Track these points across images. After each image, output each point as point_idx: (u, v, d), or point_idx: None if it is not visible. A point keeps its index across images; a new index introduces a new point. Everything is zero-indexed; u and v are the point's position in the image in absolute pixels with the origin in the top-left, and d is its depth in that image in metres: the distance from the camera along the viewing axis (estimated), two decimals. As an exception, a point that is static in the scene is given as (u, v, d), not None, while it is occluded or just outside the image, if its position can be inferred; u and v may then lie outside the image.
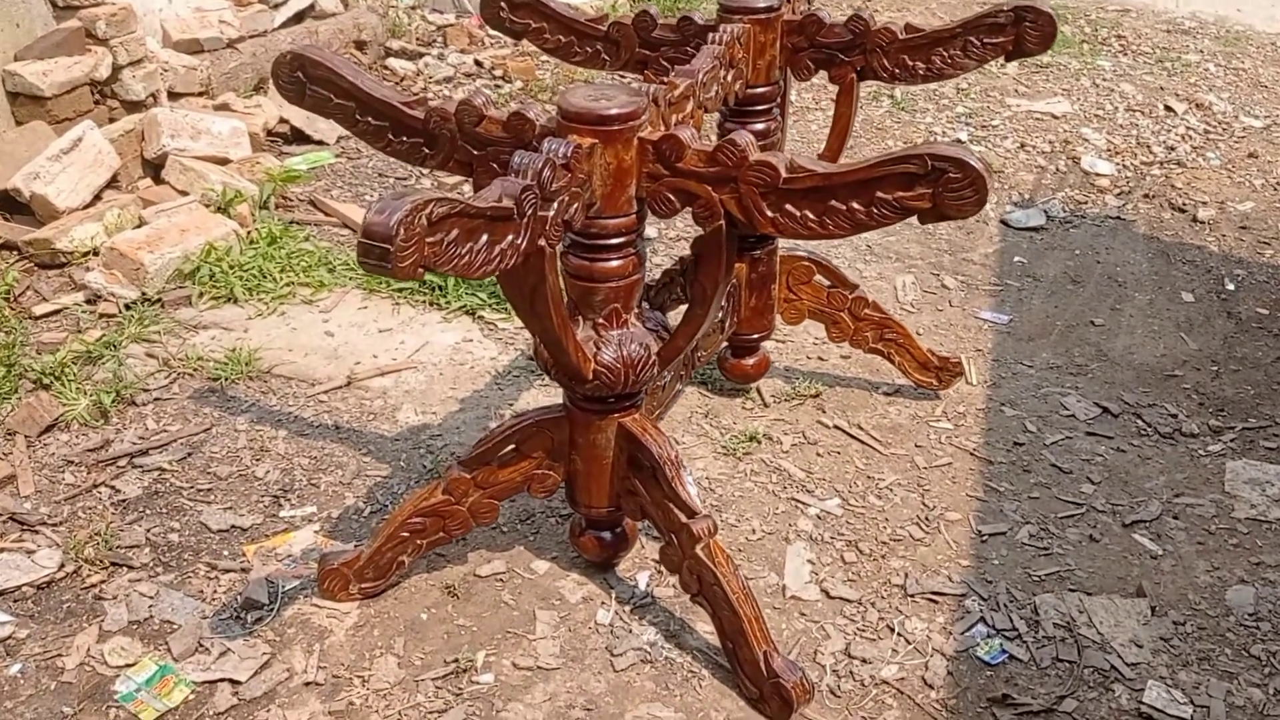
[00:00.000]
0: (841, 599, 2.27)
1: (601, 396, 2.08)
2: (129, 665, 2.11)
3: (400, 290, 3.22)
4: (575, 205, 1.84)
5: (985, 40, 2.36)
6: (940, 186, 1.71)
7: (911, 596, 2.28)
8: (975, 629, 2.21)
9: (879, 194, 1.76)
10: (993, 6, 2.34)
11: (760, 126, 2.53)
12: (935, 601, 2.28)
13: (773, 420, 2.83)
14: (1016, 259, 3.70)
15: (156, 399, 2.85)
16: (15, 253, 3.42)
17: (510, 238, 1.68)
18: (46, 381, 2.83)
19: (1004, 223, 3.94)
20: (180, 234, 3.38)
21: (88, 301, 3.19)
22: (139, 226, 3.49)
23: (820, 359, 3.09)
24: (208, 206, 3.61)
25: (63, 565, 2.34)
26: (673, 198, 1.92)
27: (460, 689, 2.05)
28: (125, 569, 2.34)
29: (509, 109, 1.97)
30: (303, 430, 2.74)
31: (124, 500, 2.53)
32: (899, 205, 1.76)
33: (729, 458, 2.68)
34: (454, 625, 2.20)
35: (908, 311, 3.36)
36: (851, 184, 1.78)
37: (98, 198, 3.70)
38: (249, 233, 3.51)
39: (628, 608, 2.24)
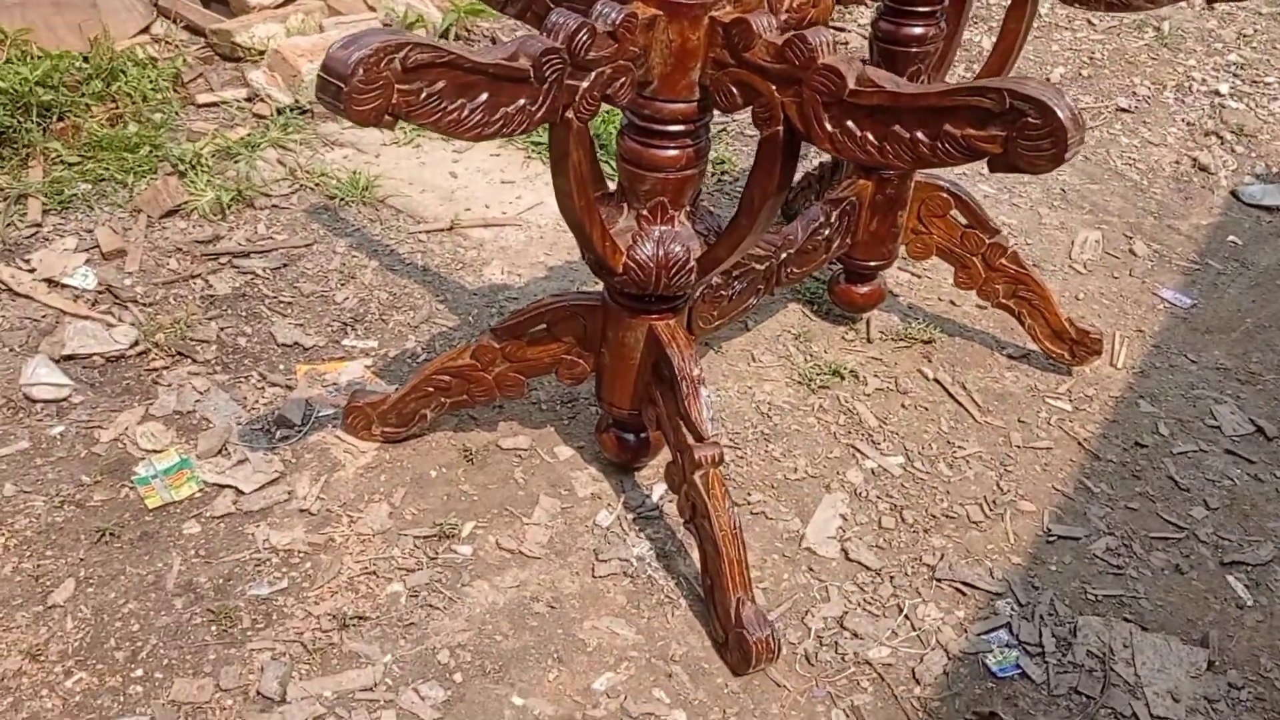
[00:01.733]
0: (859, 564, 2.09)
1: (637, 294, 1.94)
2: (156, 451, 2.19)
3: (536, 144, 3.13)
4: (622, 80, 1.68)
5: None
6: (1015, 130, 1.44)
7: (938, 581, 2.07)
8: (996, 634, 1.98)
9: (948, 126, 1.51)
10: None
11: (918, 30, 2.25)
12: (963, 593, 2.06)
13: (868, 358, 2.60)
14: (1230, 238, 3.22)
15: (274, 205, 2.90)
16: (201, 39, 3.53)
17: (522, 102, 1.54)
18: (182, 169, 2.93)
19: (1234, 194, 3.43)
20: (349, 48, 3.39)
21: (246, 99, 3.27)
22: (317, 33, 3.53)
23: (952, 303, 2.81)
24: (386, 26, 3.60)
25: (136, 344, 2.44)
26: (735, 91, 1.72)
27: (436, 554, 2.02)
28: (188, 360, 2.42)
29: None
30: (393, 265, 2.73)
31: (212, 296, 2.60)
32: (965, 145, 1.50)
33: (802, 387, 2.49)
34: (457, 489, 2.16)
35: (1076, 271, 3.00)
36: (920, 110, 1.53)
37: (290, 0, 3.77)
38: (417, 59, 3.48)
39: (631, 515, 2.14)
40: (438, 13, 3.73)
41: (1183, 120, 3.74)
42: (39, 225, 2.75)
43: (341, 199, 2.92)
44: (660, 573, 2.03)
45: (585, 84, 1.62)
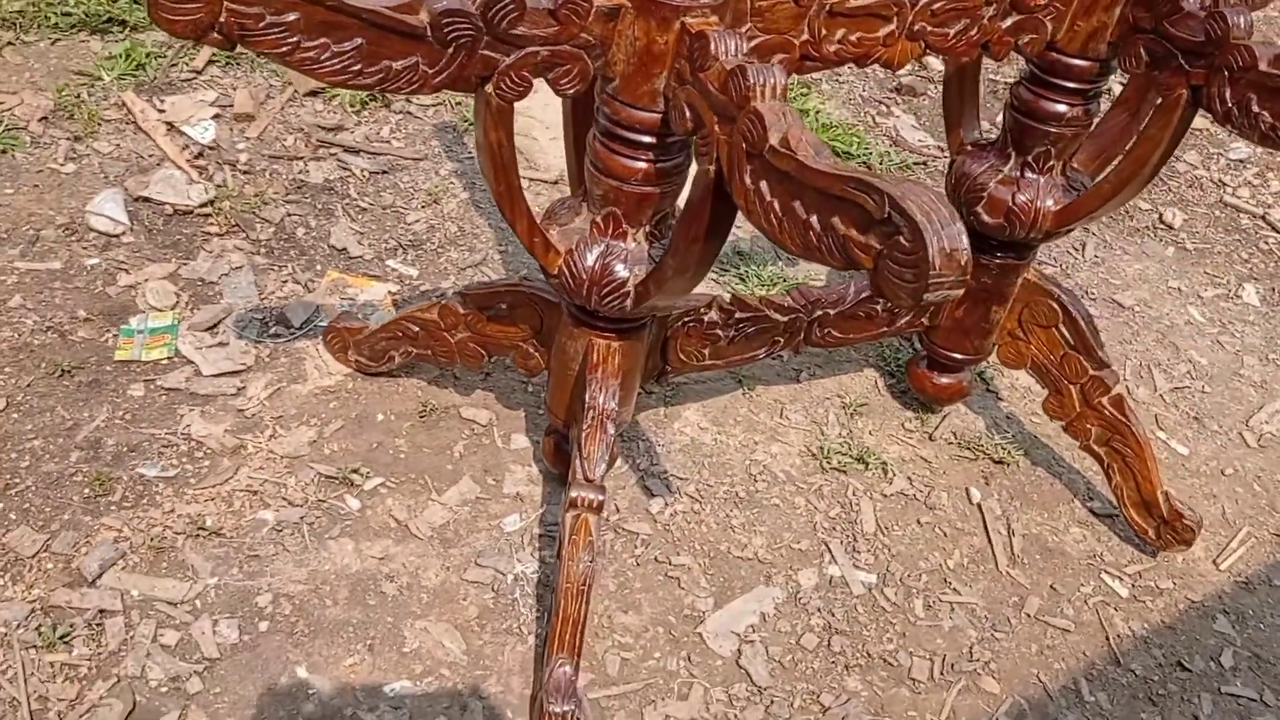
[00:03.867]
0: (745, 673, 1.82)
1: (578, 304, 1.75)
2: (156, 309, 2.25)
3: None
4: (568, 69, 1.48)
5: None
6: (887, 246, 1.14)
7: (823, 728, 1.77)
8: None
9: (833, 219, 1.22)
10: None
11: (1060, 108, 1.88)
12: (843, 753, 1.75)
13: (914, 455, 2.26)
14: None
15: (408, 113, 2.89)
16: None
17: (415, 60, 1.38)
18: (347, 53, 2.97)
19: None
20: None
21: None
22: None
23: (1058, 431, 2.39)
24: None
25: (206, 204, 2.51)
26: (687, 112, 1.48)
27: (325, 498, 1.95)
28: (242, 235, 2.46)
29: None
30: (480, 202, 2.65)
31: (302, 181, 2.63)
32: (842, 247, 1.20)
33: (814, 461, 2.20)
34: (390, 441, 2.07)
35: (1243, 442, 2.47)
36: (819, 190, 1.24)
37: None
38: None
39: (539, 531, 1.97)
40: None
41: None
42: (198, 72, 2.87)
43: (471, 124, 2.86)
44: (528, 600, 1.86)
45: (509, 60, 1.44)
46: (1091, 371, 2.10)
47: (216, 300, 2.29)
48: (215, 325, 2.24)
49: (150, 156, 2.61)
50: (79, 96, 2.72)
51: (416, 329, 2.06)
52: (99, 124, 2.67)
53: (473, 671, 1.74)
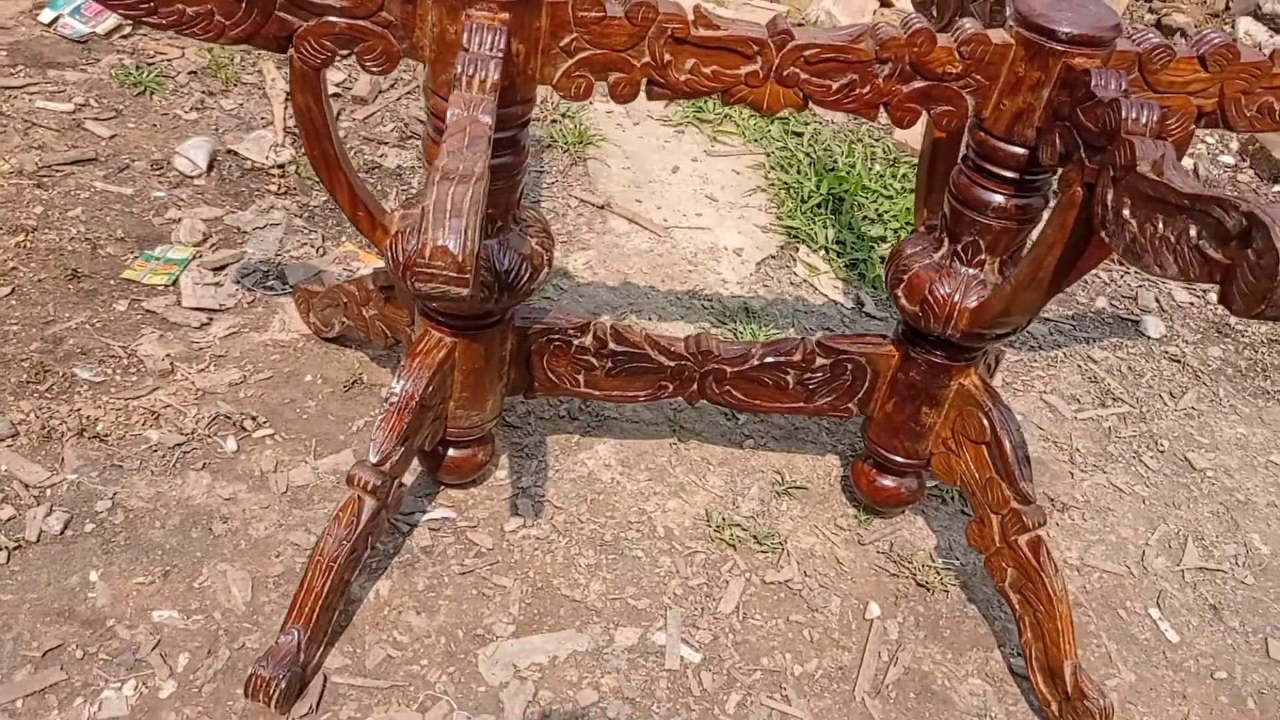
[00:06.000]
0: (499, 708, 1.73)
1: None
2: (181, 243, 2.47)
3: (783, 189, 2.84)
4: (371, 45, 1.51)
5: (1201, 250, 1.23)
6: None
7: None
8: None
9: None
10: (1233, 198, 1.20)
11: (993, 197, 1.69)
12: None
13: (830, 555, 2.06)
14: None
15: (505, 120, 3.00)
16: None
17: (209, 9, 1.45)
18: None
19: None
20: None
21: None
22: None
23: (1018, 571, 2.10)
24: None
25: (279, 166, 2.72)
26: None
27: (211, 433, 2.06)
28: (296, 198, 2.65)
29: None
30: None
31: (375, 165, 2.80)
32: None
33: (705, 526, 2.05)
34: (303, 401, 2.15)
35: (1259, 646, 2.06)
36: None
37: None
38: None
39: (413, 519, 1.97)
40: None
41: None
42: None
43: (554, 140, 2.93)
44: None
45: (305, 25, 1.49)
46: (1013, 503, 1.83)
47: (238, 246, 2.49)
48: (223, 267, 2.44)
49: (262, 119, 2.88)
50: (231, 59, 3.05)
51: (345, 299, 2.14)
52: (234, 84, 2.97)
53: (241, 622, 1.78)
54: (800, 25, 1.74)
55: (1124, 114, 1.40)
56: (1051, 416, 2.47)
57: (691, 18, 1.53)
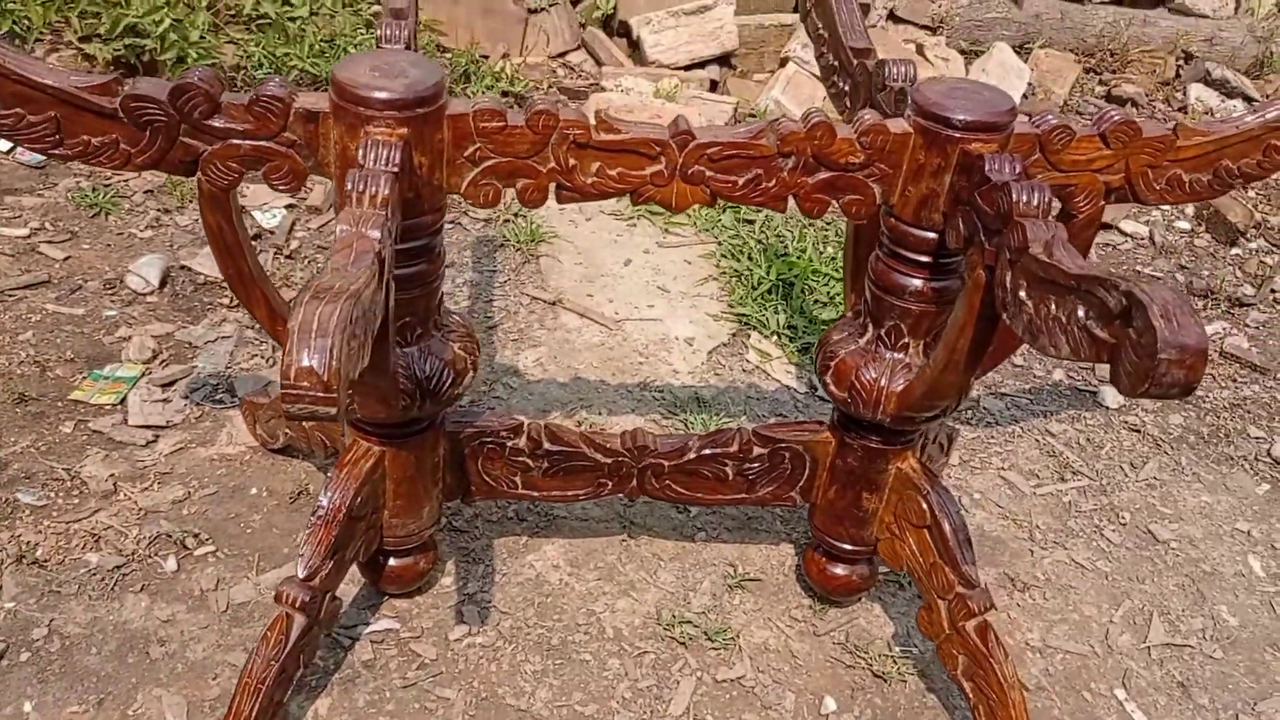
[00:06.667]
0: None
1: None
2: (131, 361, 2.48)
3: (734, 306, 2.85)
4: (278, 165, 1.53)
5: (1089, 330, 1.23)
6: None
7: None
8: None
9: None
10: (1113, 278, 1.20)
11: (909, 281, 1.70)
12: None
13: (785, 648, 2.02)
14: None
15: (458, 223, 3.03)
16: (570, 71, 3.75)
17: (114, 138, 1.48)
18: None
19: None
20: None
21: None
22: (668, 102, 3.55)
23: (977, 655, 2.06)
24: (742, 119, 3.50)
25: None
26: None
27: (152, 554, 2.03)
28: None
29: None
30: (482, 309, 2.72)
31: (330, 271, 2.82)
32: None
33: (656, 624, 2.02)
34: (248, 515, 2.13)
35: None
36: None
37: (699, 65, 3.81)
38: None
39: (355, 631, 1.95)
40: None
41: None
42: (297, 167, 3.18)
43: (507, 239, 2.96)
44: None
45: (210, 148, 1.51)
46: (958, 588, 1.80)
47: (188, 361, 2.50)
48: (173, 383, 2.44)
49: (216, 233, 2.91)
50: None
51: (281, 410, 2.14)
52: (190, 200, 3.02)
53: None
54: (705, 126, 1.76)
55: (1015, 197, 1.41)
56: (1010, 493, 2.45)
57: (593, 122, 1.56)
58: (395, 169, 1.39)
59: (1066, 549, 2.33)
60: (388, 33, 1.69)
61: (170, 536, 2.08)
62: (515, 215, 3.05)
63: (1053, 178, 1.69)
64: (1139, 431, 2.68)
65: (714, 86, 3.81)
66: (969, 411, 2.66)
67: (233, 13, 3.55)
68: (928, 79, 1.71)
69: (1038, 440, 2.61)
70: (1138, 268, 3.34)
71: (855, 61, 1.93)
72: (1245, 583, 2.31)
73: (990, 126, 1.56)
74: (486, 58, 3.73)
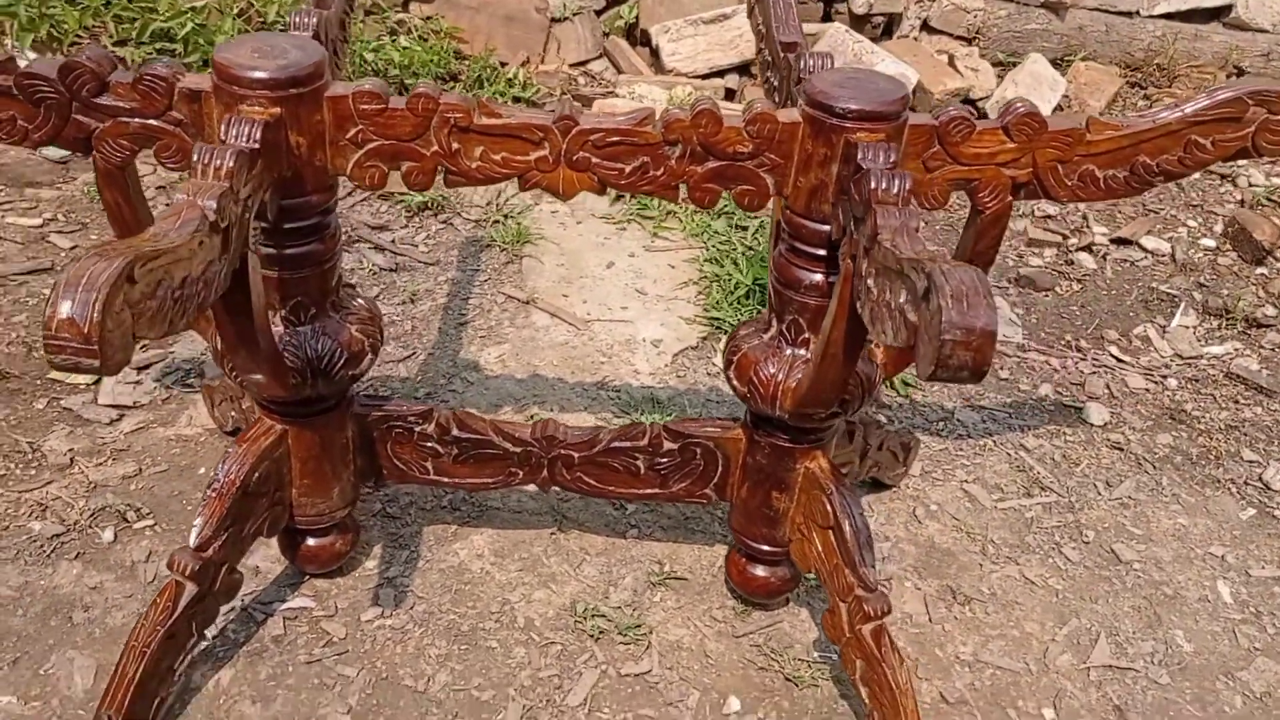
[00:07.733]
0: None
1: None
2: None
3: (717, 314, 2.84)
4: (166, 143, 1.59)
5: (904, 313, 1.19)
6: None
7: None
8: None
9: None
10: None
11: (806, 275, 1.68)
12: None
13: (699, 647, 1.99)
14: None
15: (449, 223, 3.08)
16: (587, 78, 3.78)
17: (12, 114, 1.56)
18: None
19: None
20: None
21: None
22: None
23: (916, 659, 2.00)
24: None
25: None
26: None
27: (91, 524, 2.10)
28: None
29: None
30: (450, 309, 2.75)
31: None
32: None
33: (570, 617, 2.01)
34: (192, 494, 2.19)
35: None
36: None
37: (719, 74, 3.81)
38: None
39: (257, 608, 1.98)
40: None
41: None
42: (304, 166, 3.27)
43: (493, 240, 2.99)
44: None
45: (102, 126, 1.57)
46: (856, 590, 1.76)
47: (166, 345, 2.59)
48: (148, 366, 2.53)
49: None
50: (199, 173, 3.20)
51: (233, 394, 2.20)
52: (197, 196, 3.12)
53: (78, 709, 1.80)
54: (594, 113, 1.76)
55: (874, 184, 1.38)
56: (970, 506, 2.38)
57: (474, 106, 1.57)
58: (254, 145, 1.42)
59: (1019, 564, 2.25)
60: (296, 20, 1.73)
61: (113, 509, 2.14)
62: (505, 217, 3.09)
63: (955, 171, 1.66)
64: (1121, 450, 2.58)
65: (731, 95, 3.80)
66: (941, 423, 2.60)
67: (262, 19, 3.67)
68: (828, 69, 1.69)
69: (1009, 454, 2.53)
70: (1153, 284, 3.22)
71: (783, 55, 1.92)
72: (1209, 608, 2.20)
73: (877, 116, 1.53)
74: (505, 65, 3.78)
